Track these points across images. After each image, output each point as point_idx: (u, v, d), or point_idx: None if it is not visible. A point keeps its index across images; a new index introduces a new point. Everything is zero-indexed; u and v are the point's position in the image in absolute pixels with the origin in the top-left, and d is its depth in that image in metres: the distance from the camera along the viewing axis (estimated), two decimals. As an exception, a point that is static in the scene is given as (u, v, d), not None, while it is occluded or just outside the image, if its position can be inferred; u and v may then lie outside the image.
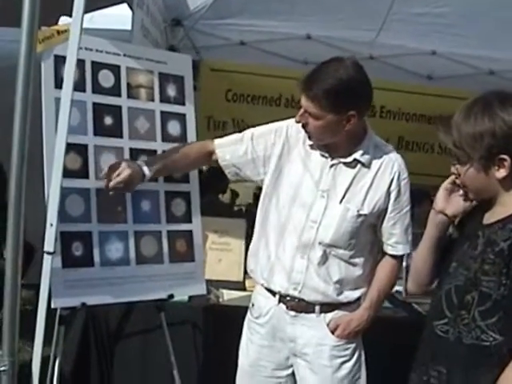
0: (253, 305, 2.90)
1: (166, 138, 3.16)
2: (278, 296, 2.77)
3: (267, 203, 2.82)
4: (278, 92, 5.56)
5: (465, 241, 2.10)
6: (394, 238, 2.76)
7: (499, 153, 1.93)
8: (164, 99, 3.18)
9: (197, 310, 3.50)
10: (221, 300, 3.67)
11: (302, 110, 2.61)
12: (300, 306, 2.75)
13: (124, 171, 2.76)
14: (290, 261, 2.71)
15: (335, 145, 2.68)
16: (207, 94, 5.67)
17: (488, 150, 1.94)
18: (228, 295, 3.73)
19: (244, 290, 3.85)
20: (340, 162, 2.69)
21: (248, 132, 2.90)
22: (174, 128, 3.19)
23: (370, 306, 2.78)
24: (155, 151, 3.11)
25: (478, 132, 1.94)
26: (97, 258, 2.89)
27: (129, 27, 3.95)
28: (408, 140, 5.78)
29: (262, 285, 2.82)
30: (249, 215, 4.73)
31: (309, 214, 2.68)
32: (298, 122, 2.65)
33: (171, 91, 3.21)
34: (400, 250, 2.79)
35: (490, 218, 2.06)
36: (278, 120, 5.27)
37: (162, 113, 3.16)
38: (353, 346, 2.79)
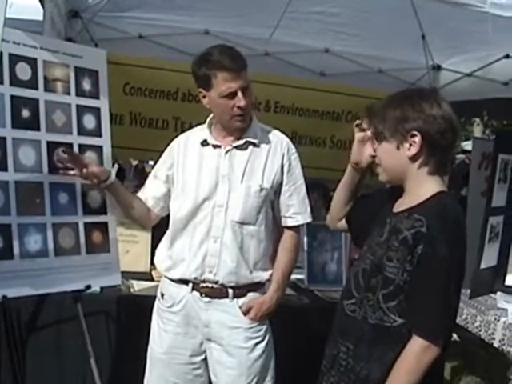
0: (162, 294, 2.97)
1: (81, 131, 3.20)
2: (191, 284, 2.88)
3: (175, 210, 2.94)
4: (175, 86, 5.55)
5: (375, 227, 2.29)
6: (292, 209, 2.95)
7: (412, 129, 2.13)
8: (79, 93, 3.21)
9: (110, 300, 3.54)
10: (132, 290, 3.73)
11: (240, 95, 2.76)
12: (214, 292, 2.86)
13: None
14: (204, 248, 2.84)
15: (229, 130, 2.88)
16: (105, 87, 5.60)
17: (402, 125, 2.15)
18: (138, 286, 3.80)
19: (152, 280, 3.93)
20: (233, 147, 2.88)
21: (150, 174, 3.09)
22: (89, 121, 3.23)
23: (277, 288, 2.93)
24: (71, 144, 3.14)
25: (398, 114, 2.16)
26: (16, 250, 2.89)
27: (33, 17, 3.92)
28: (301, 134, 5.82)
29: (174, 279, 2.91)
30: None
31: (215, 201, 2.84)
32: (244, 106, 2.78)
33: (86, 85, 3.24)
34: (300, 220, 2.97)
35: (399, 206, 2.25)
36: (174, 112, 5.31)
37: (78, 106, 3.20)
38: (264, 327, 2.93)
